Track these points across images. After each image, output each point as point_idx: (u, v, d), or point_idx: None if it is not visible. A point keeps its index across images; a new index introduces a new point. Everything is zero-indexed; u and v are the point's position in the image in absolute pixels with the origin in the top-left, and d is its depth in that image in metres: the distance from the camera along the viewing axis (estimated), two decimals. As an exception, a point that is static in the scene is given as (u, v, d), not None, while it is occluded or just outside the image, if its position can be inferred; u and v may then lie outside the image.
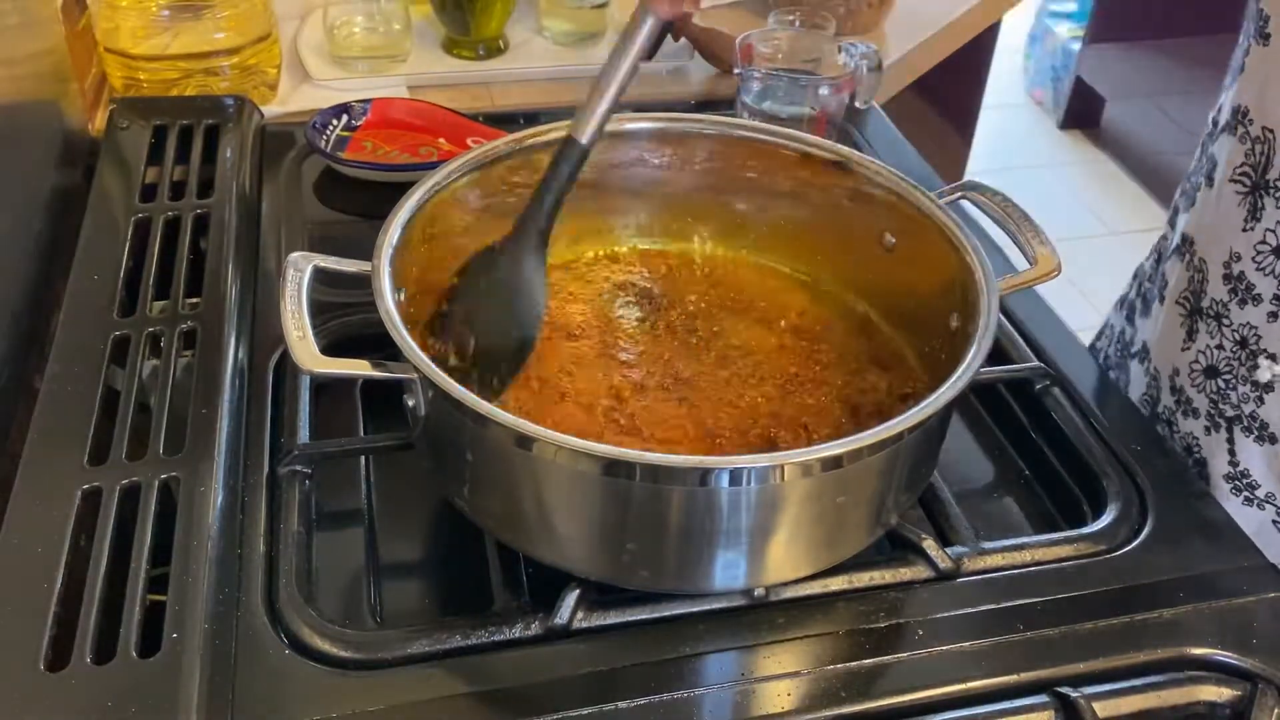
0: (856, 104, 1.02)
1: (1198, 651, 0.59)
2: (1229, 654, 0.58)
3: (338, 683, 0.55)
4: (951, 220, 0.67)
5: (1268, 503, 0.72)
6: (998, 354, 0.77)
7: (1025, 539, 0.65)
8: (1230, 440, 0.72)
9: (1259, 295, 0.68)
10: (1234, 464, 0.73)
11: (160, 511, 0.61)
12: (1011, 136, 3.05)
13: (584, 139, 0.65)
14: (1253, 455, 0.71)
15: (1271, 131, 0.66)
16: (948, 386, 0.55)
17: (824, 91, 0.96)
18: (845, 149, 0.73)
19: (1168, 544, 0.64)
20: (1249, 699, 0.57)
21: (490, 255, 0.66)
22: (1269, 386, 0.69)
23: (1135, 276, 0.86)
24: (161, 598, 0.57)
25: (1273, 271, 0.67)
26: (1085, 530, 0.66)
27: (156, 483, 0.62)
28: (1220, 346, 0.72)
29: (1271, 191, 0.66)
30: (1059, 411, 0.73)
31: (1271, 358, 0.69)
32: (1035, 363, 0.77)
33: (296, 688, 0.54)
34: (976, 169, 2.26)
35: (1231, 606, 0.61)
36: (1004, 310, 0.80)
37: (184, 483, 0.62)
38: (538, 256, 0.66)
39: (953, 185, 0.73)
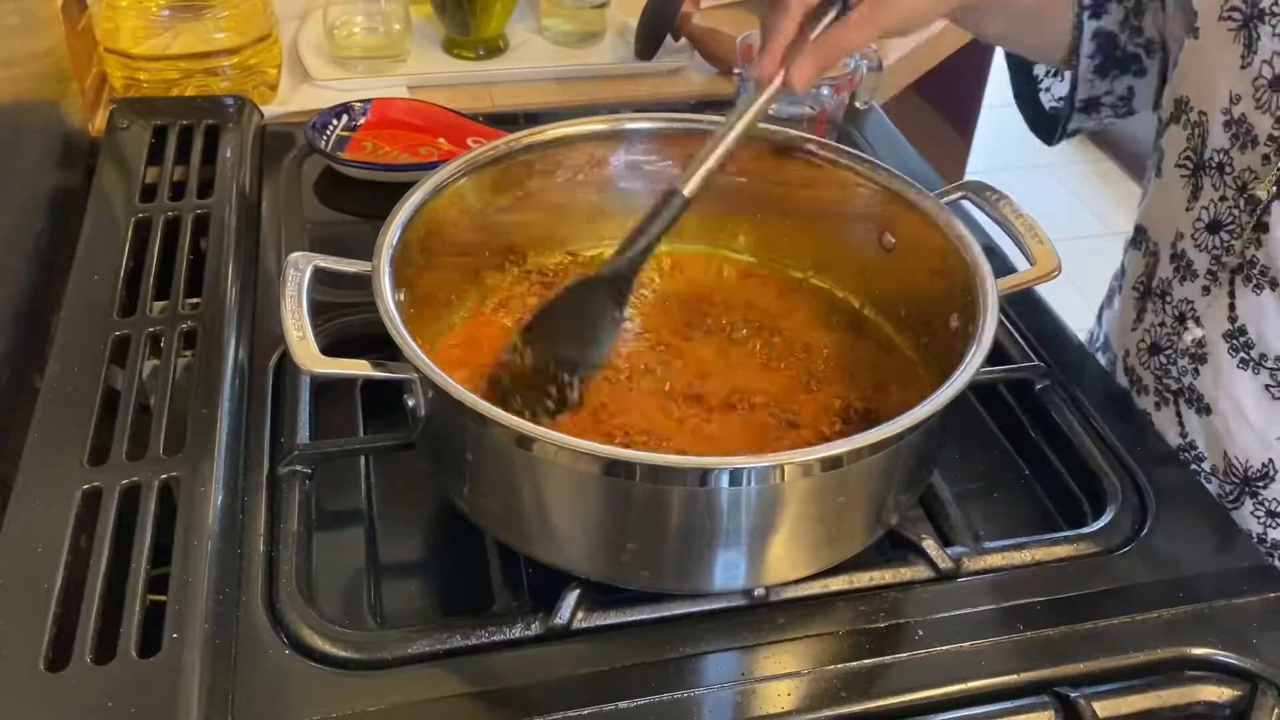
0: (856, 104, 1.02)
1: (1198, 651, 0.59)
2: (1229, 654, 0.58)
3: (338, 683, 0.55)
4: (951, 220, 0.67)
5: (1213, 476, 0.73)
6: (998, 354, 0.77)
7: (1025, 539, 0.65)
8: (1178, 413, 0.74)
9: (1195, 271, 0.71)
10: (1183, 436, 0.74)
11: (160, 511, 0.61)
12: (1011, 136, 3.02)
13: (687, 191, 0.65)
14: (1196, 428, 0.73)
15: (1205, 115, 0.69)
16: (948, 386, 0.55)
17: (824, 91, 0.96)
18: (845, 149, 0.73)
19: (1168, 544, 0.64)
20: (1249, 699, 0.57)
21: (576, 287, 0.67)
22: (1201, 358, 0.71)
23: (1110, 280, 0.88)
24: (161, 598, 0.56)
25: (1206, 247, 0.70)
26: (1085, 530, 0.66)
27: (156, 483, 0.62)
28: (1162, 323, 0.75)
29: (1207, 171, 0.69)
30: (1059, 411, 0.73)
31: (1196, 321, 0.71)
32: (1035, 363, 0.77)
33: (296, 688, 0.54)
34: (976, 169, 2.27)
35: (1231, 606, 0.61)
36: (1004, 310, 0.80)
37: (184, 483, 0.62)
38: (616, 296, 0.66)
39: (953, 185, 0.73)
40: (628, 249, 0.65)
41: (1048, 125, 0.87)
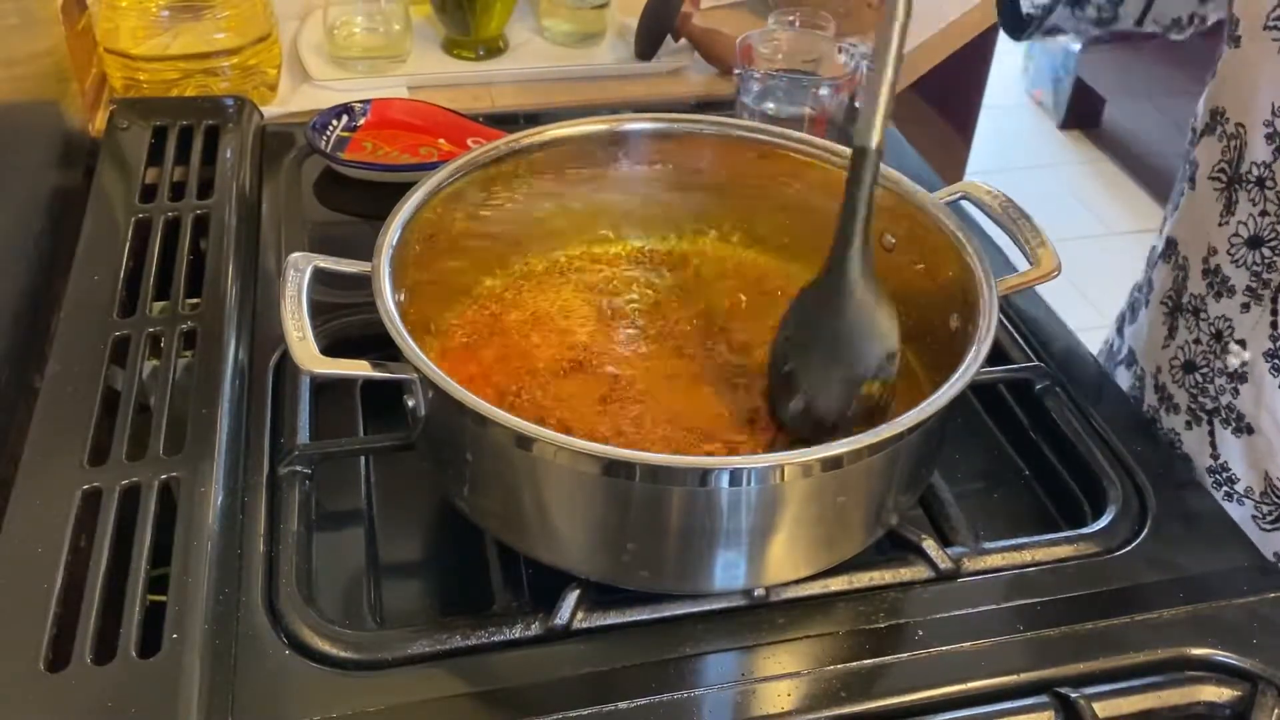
0: (856, 104, 1.02)
1: (1198, 651, 0.59)
2: (1229, 654, 0.58)
3: (338, 683, 0.55)
4: (951, 220, 0.67)
5: (1247, 497, 0.73)
6: (998, 354, 0.77)
7: (1025, 539, 0.65)
8: (1211, 434, 0.73)
9: (1233, 287, 0.70)
10: (1215, 457, 0.74)
11: (160, 511, 0.61)
12: (1011, 136, 3.05)
13: (873, 144, 0.62)
14: (1232, 448, 0.73)
15: (1243, 127, 0.68)
16: (948, 386, 0.55)
17: (824, 92, 0.96)
18: (845, 149, 0.73)
19: (1168, 544, 0.64)
20: (1249, 699, 0.57)
21: (813, 293, 0.62)
22: (1242, 376, 0.70)
23: (1130, 291, 0.87)
24: (161, 598, 0.56)
25: (1245, 263, 0.69)
26: (1085, 530, 0.66)
27: (156, 483, 0.62)
28: (1197, 341, 0.73)
29: (1244, 185, 0.68)
30: (1059, 411, 0.73)
31: (1241, 344, 0.70)
32: (1035, 363, 0.77)
33: (296, 688, 0.54)
34: (976, 169, 2.27)
35: (1231, 606, 0.61)
36: (1004, 310, 0.80)
37: (184, 483, 0.62)
38: (868, 278, 0.62)
39: (952, 185, 0.73)
40: (847, 230, 0.62)
41: (1021, 23, 0.85)
